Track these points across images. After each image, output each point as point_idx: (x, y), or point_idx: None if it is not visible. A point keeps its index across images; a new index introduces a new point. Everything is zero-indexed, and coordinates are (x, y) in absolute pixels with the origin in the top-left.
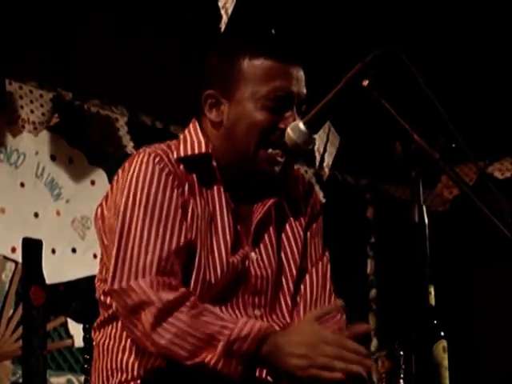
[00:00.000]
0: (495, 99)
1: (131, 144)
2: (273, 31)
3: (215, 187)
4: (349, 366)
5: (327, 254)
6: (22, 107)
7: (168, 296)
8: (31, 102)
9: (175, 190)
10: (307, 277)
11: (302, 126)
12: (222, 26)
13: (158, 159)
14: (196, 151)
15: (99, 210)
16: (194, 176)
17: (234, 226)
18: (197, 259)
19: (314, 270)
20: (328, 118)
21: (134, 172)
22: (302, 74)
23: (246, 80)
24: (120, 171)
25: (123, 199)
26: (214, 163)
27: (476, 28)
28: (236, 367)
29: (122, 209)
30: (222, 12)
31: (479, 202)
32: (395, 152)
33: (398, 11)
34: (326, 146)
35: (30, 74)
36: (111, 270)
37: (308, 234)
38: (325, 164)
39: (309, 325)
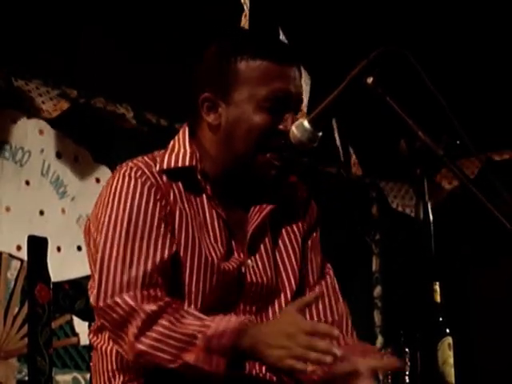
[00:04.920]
0: (496, 92)
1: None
2: (276, 30)
3: (204, 195)
4: (322, 356)
5: (329, 265)
6: (33, 99)
7: (151, 307)
8: (40, 95)
9: (158, 203)
10: (317, 289)
11: (306, 123)
12: (245, 22)
13: (139, 173)
14: (179, 164)
15: (87, 225)
16: (180, 185)
17: (226, 234)
18: (188, 267)
19: (323, 282)
20: (333, 116)
21: (116, 186)
22: (298, 74)
23: (244, 82)
24: (104, 185)
25: (106, 215)
26: (199, 176)
27: (477, 23)
28: (218, 363)
29: (105, 224)
30: (244, 7)
31: (483, 198)
32: (400, 149)
33: (401, 9)
34: (345, 145)
35: (35, 72)
36: (96, 287)
37: (309, 243)
38: (352, 163)
39: (290, 315)
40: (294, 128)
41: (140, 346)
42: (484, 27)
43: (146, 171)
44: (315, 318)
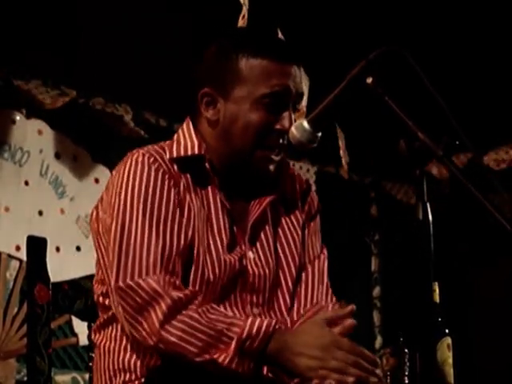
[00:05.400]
0: (492, 89)
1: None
2: (275, 30)
3: (210, 187)
4: (363, 374)
5: (325, 251)
6: (33, 96)
7: (178, 293)
8: (40, 94)
9: (172, 189)
10: (303, 274)
11: (306, 124)
12: (243, 23)
13: (152, 159)
14: (189, 152)
15: (94, 213)
16: (188, 176)
17: (230, 226)
18: (195, 258)
19: (310, 266)
20: (332, 116)
21: (129, 172)
22: (299, 72)
23: (243, 79)
24: (114, 172)
25: (121, 199)
26: (207, 165)
27: (476, 23)
28: (249, 365)
29: (121, 209)
30: (244, 7)
31: (481, 197)
32: (399, 150)
33: (400, 9)
34: (340, 144)
35: (34, 73)
36: (114, 267)
37: (306, 232)
38: (343, 161)
39: (320, 328)
40: (293, 129)
41: (166, 335)
42: (483, 27)
43: (158, 158)
44: (296, 300)
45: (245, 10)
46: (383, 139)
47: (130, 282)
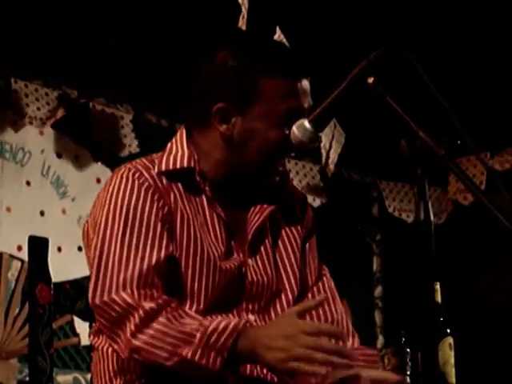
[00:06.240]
0: (496, 92)
1: (135, 142)
2: (280, 38)
3: (203, 196)
4: (329, 357)
5: (325, 267)
6: (27, 105)
7: (150, 304)
8: (37, 99)
9: (155, 204)
10: (315, 291)
11: (307, 124)
12: (242, 23)
13: (137, 174)
14: (178, 165)
15: (85, 227)
16: (180, 186)
17: (226, 235)
18: (191, 266)
19: (320, 284)
20: (333, 116)
21: (113, 188)
22: (308, 84)
23: (262, 98)
24: (102, 188)
25: (103, 215)
26: (198, 177)
27: (477, 23)
28: (215, 360)
29: (102, 225)
30: (243, 8)
31: (484, 198)
32: (400, 149)
33: (401, 9)
34: (331, 142)
35: (36, 73)
36: (91, 285)
37: (307, 246)
38: (330, 160)
39: (288, 318)
40: (294, 128)
41: (135, 342)
42: (484, 27)
43: (145, 173)
44: (315, 320)
45: (244, 11)
46: (384, 139)
47: (106, 299)
